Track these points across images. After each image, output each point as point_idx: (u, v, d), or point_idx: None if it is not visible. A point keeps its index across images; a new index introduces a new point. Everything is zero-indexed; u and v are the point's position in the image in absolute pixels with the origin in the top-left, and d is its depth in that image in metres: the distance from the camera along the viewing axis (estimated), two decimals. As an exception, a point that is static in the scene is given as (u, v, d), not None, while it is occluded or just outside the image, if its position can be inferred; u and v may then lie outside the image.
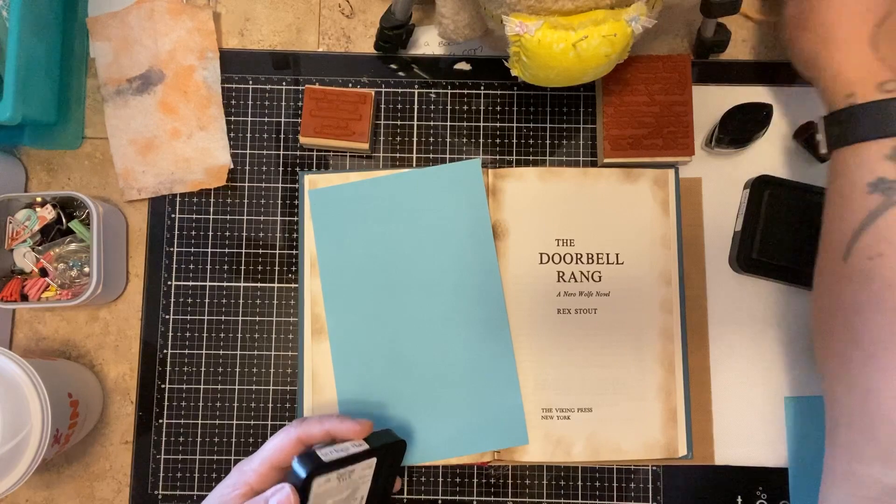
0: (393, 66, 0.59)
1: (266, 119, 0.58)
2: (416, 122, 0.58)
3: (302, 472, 0.41)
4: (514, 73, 0.48)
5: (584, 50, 0.43)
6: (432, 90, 0.58)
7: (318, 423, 0.45)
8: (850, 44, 0.45)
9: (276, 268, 0.57)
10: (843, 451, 0.42)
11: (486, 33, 0.54)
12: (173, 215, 0.58)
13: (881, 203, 0.42)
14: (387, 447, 0.46)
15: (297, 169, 0.58)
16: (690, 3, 0.49)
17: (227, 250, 0.57)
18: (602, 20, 0.43)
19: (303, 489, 0.42)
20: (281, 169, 0.58)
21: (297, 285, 0.57)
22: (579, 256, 0.55)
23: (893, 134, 0.42)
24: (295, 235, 0.57)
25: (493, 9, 0.47)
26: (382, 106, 0.58)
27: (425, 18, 0.59)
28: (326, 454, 0.43)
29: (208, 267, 0.57)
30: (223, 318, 0.57)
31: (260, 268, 0.57)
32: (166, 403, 0.56)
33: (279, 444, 0.44)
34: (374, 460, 0.45)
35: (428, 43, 0.59)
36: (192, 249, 0.57)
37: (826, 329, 0.45)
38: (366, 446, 0.45)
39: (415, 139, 0.58)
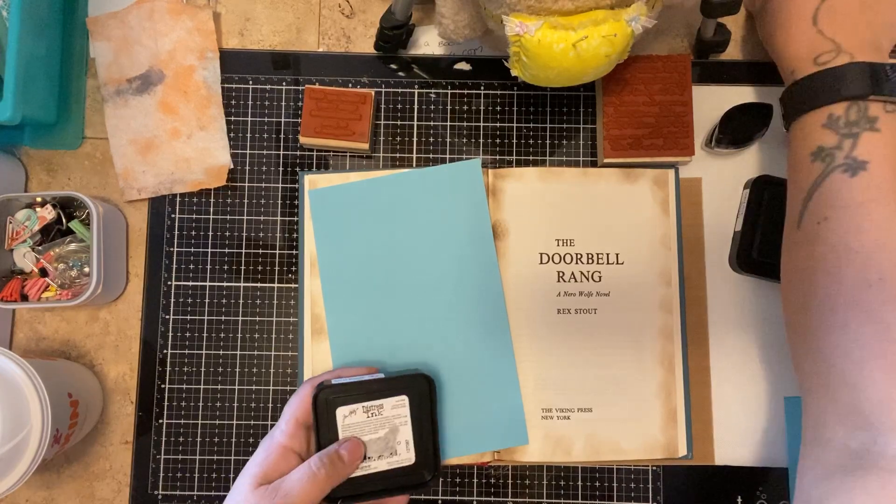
0: (393, 66, 0.59)
1: (266, 119, 0.58)
2: (416, 122, 0.58)
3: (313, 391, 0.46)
4: (514, 73, 0.48)
5: (584, 50, 0.43)
6: (432, 90, 0.58)
7: (329, 374, 0.49)
8: (794, 22, 0.47)
9: (276, 268, 0.57)
10: (809, 418, 0.43)
11: (486, 33, 0.54)
12: (173, 215, 0.58)
13: (823, 170, 0.44)
14: (407, 379, 0.48)
15: (297, 169, 0.58)
16: (690, 4, 0.49)
17: (227, 250, 0.57)
18: (602, 20, 0.43)
19: (316, 407, 0.45)
20: (281, 169, 0.58)
21: (297, 285, 0.57)
22: (579, 256, 0.55)
23: (825, 103, 0.44)
24: (295, 235, 0.57)
25: (493, 9, 0.47)
26: (382, 106, 0.58)
27: (425, 18, 0.59)
28: (336, 381, 0.47)
29: (208, 267, 0.57)
30: (223, 318, 0.57)
31: (260, 268, 0.57)
32: (166, 403, 0.56)
33: (298, 401, 0.47)
34: (404, 398, 0.47)
35: (428, 43, 0.59)
36: (192, 249, 0.57)
37: (786, 298, 0.46)
38: (380, 376, 0.48)
39: (415, 139, 0.58)
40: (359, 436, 0.46)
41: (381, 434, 0.47)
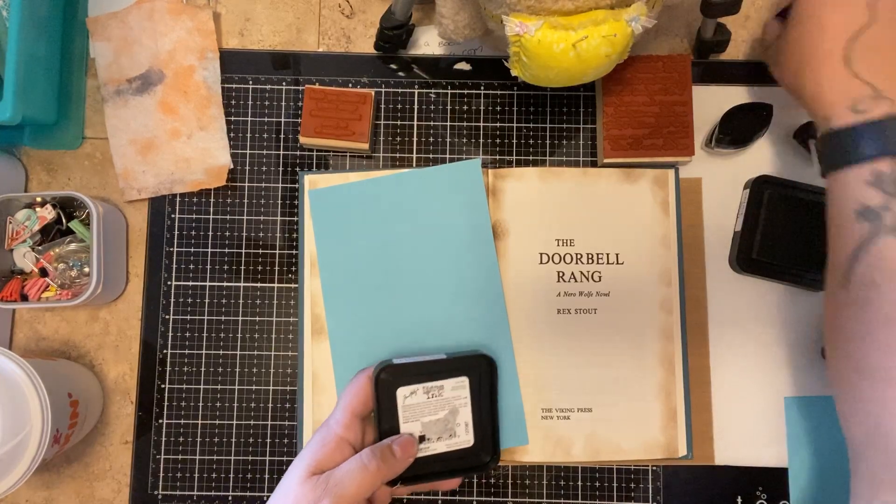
0: (393, 66, 0.59)
1: (266, 119, 0.58)
2: (416, 122, 0.58)
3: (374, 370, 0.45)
4: (514, 73, 0.48)
5: (584, 50, 0.43)
6: (432, 90, 0.58)
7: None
8: (824, 62, 0.44)
9: (276, 268, 0.57)
10: (863, 482, 0.41)
11: (486, 33, 0.54)
12: (173, 215, 0.58)
13: (869, 231, 0.41)
14: (468, 360, 0.48)
15: (297, 169, 0.58)
16: (690, 4, 0.49)
17: (227, 250, 0.57)
18: (602, 20, 0.43)
19: (377, 387, 0.45)
20: (281, 169, 0.58)
21: (297, 285, 0.57)
22: (579, 256, 0.55)
23: (869, 158, 0.41)
24: (295, 235, 0.57)
25: (493, 9, 0.47)
26: (382, 106, 0.58)
27: (425, 18, 0.59)
28: (398, 360, 0.47)
29: (208, 267, 0.57)
30: (223, 318, 0.57)
31: (260, 268, 0.57)
32: (166, 403, 0.56)
33: (354, 391, 0.46)
34: (464, 379, 0.47)
35: (428, 43, 0.59)
36: (192, 249, 0.57)
37: (833, 353, 0.44)
38: (441, 356, 0.48)
39: (415, 139, 0.58)
40: (419, 417, 0.46)
41: (441, 415, 0.47)
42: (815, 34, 0.44)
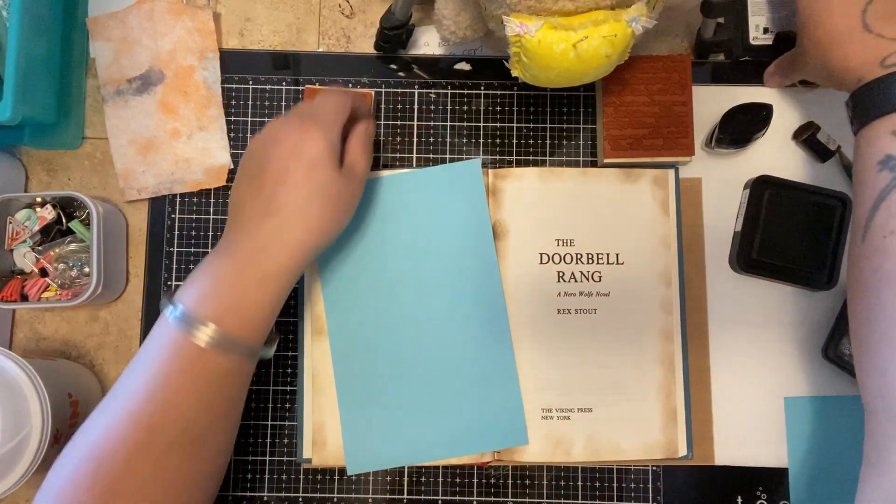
0: (393, 66, 0.59)
1: (266, 119, 0.58)
2: (416, 122, 0.58)
3: None
4: (514, 73, 0.48)
5: (584, 51, 0.43)
6: (432, 90, 0.58)
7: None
8: (846, 36, 0.45)
9: (276, 268, 0.57)
10: (871, 439, 0.41)
11: (487, 34, 0.54)
12: (173, 215, 0.58)
13: (890, 180, 0.41)
14: None
15: (297, 169, 0.58)
16: (691, 4, 0.49)
17: (227, 250, 0.57)
18: (602, 21, 0.43)
19: None
20: (281, 169, 0.58)
21: (296, 285, 0.56)
22: (579, 256, 0.55)
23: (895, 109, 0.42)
24: (295, 235, 0.57)
25: (493, 9, 0.47)
26: (382, 106, 0.58)
27: (425, 18, 0.59)
28: None
29: (208, 267, 0.57)
30: (223, 318, 0.57)
31: (260, 268, 0.57)
32: (166, 403, 0.56)
33: (342, 111, 0.49)
34: None
35: (428, 43, 0.59)
36: (192, 250, 0.57)
37: (852, 310, 0.44)
38: None
39: (415, 139, 0.58)
40: None
41: None
42: (826, 16, 0.46)
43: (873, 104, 0.43)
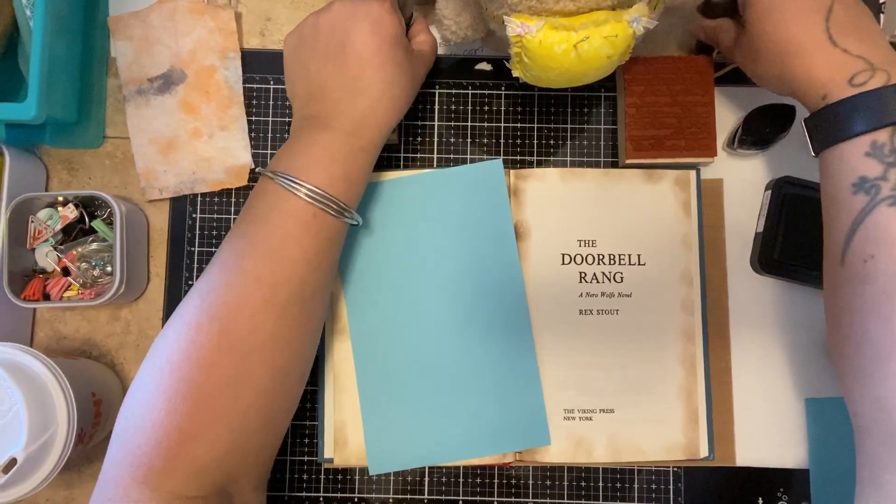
0: (414, 66, 0.59)
1: (287, 119, 0.58)
2: (436, 123, 0.58)
3: None
4: (515, 73, 0.48)
5: (585, 51, 0.43)
6: (453, 90, 0.58)
7: None
8: (809, 46, 0.43)
9: (297, 268, 0.57)
10: (866, 458, 0.41)
11: (488, 34, 0.54)
12: (194, 215, 0.58)
13: (866, 203, 0.40)
14: None
15: (318, 169, 0.58)
16: (692, 5, 0.49)
17: (247, 250, 0.57)
18: (603, 21, 0.43)
19: None
20: (302, 169, 0.58)
21: (318, 285, 0.56)
22: (601, 257, 0.55)
23: (867, 130, 0.40)
24: (316, 235, 0.57)
25: (494, 9, 0.47)
26: (403, 106, 0.58)
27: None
28: None
29: (229, 267, 0.57)
30: (244, 317, 0.57)
31: (281, 268, 0.57)
32: (187, 403, 0.56)
33: None
34: None
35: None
36: (214, 249, 0.57)
37: (834, 332, 0.44)
38: None
39: (435, 139, 0.58)
40: None
41: None
42: (789, 23, 0.44)
43: (842, 125, 0.41)
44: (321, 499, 0.55)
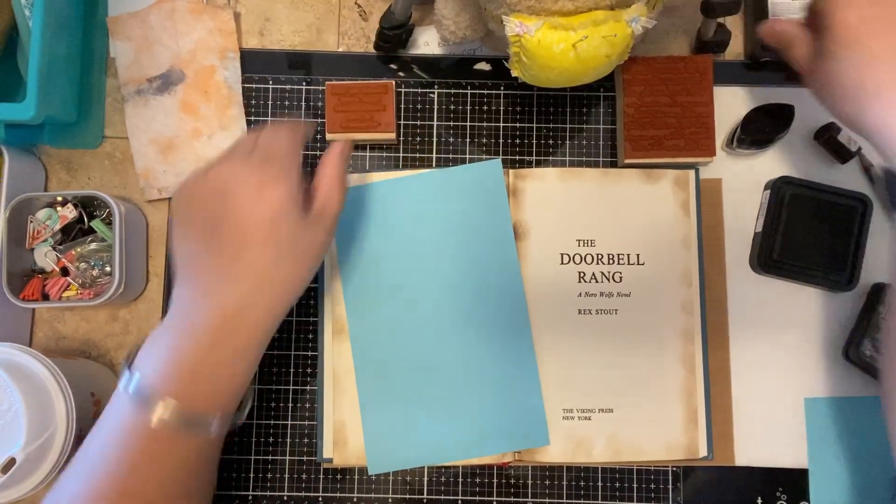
0: (413, 66, 0.59)
1: (287, 119, 0.58)
2: (435, 123, 0.58)
3: None
4: (514, 73, 0.48)
5: (583, 51, 0.43)
6: (452, 90, 0.58)
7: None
8: (886, 94, 0.40)
9: (297, 268, 0.57)
10: None
11: (487, 34, 0.54)
12: (193, 215, 0.58)
13: None
14: None
15: (317, 169, 0.58)
16: (691, 5, 0.49)
17: (247, 250, 0.57)
18: (602, 21, 0.43)
19: None
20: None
21: (317, 285, 0.56)
22: (600, 257, 0.55)
23: None
24: (315, 235, 0.57)
25: (493, 9, 0.47)
26: (402, 106, 0.58)
27: (425, 18, 0.59)
28: None
29: (228, 267, 0.57)
30: (243, 317, 0.57)
31: (280, 268, 0.57)
32: (186, 403, 0.56)
33: (296, 147, 0.45)
34: None
35: (428, 43, 0.59)
36: (213, 249, 0.57)
37: (891, 374, 0.43)
38: None
39: (434, 139, 0.58)
40: None
41: None
42: (870, 63, 0.41)
43: None
44: (320, 499, 0.55)
